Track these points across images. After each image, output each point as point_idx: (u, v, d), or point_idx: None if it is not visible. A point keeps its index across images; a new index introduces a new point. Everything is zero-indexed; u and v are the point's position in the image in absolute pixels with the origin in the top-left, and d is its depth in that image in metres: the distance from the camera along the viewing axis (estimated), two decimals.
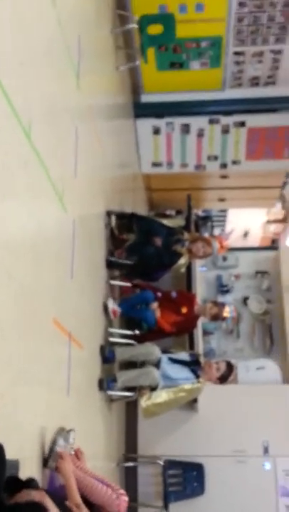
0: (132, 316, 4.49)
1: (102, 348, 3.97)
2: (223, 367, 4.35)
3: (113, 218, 4.41)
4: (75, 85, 3.46)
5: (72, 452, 2.65)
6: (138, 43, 5.44)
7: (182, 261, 4.68)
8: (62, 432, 2.46)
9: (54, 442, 2.40)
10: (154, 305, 4.44)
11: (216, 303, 4.93)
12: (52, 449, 2.40)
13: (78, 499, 2.16)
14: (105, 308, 4.10)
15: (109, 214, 4.43)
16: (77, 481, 2.36)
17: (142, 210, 7.47)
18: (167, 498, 4.99)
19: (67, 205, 3.05)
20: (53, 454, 2.39)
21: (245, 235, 10.99)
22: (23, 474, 2.10)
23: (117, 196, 5.05)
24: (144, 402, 4.13)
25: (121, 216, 4.58)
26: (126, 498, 2.44)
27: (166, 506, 4.96)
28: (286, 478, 5.35)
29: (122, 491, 2.45)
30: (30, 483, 1.93)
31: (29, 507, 1.66)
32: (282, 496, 5.30)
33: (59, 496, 2.02)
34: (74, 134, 3.36)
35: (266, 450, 5.40)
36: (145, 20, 5.24)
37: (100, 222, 4.24)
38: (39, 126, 2.53)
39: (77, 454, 2.66)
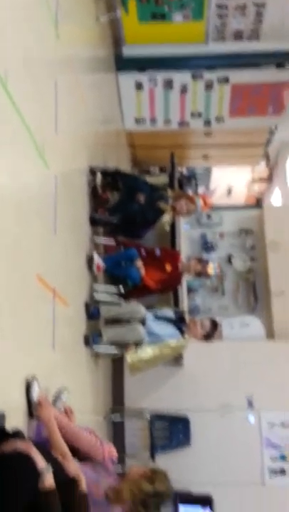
0: (117, 274, 4.47)
1: (87, 305, 3.96)
2: (207, 324, 4.37)
3: (98, 175, 4.33)
4: (54, 35, 3.34)
5: (62, 409, 2.67)
6: None
7: (166, 218, 4.65)
8: (35, 380, 2.44)
9: (29, 391, 2.39)
10: (139, 262, 4.42)
11: (200, 260, 4.93)
12: (29, 399, 2.40)
13: (63, 447, 2.17)
14: (90, 261, 4.07)
15: (93, 171, 4.35)
16: (62, 428, 2.38)
17: (126, 167, 7.37)
18: (154, 450, 5.10)
19: (48, 161, 2.98)
20: (33, 403, 2.39)
21: (229, 192, 10.95)
22: (11, 426, 2.10)
23: (99, 153, 4.96)
24: (129, 357, 4.16)
25: (105, 173, 4.50)
26: (113, 448, 2.47)
27: (152, 457, 5.07)
28: (270, 430, 5.49)
29: (109, 444, 2.48)
30: (17, 435, 1.93)
31: (14, 456, 1.66)
32: (266, 447, 5.44)
33: (45, 446, 2.03)
34: (54, 85, 3.27)
35: (250, 404, 5.51)
36: None
37: (83, 178, 4.17)
38: (17, 75, 2.44)
39: (67, 412, 2.68)
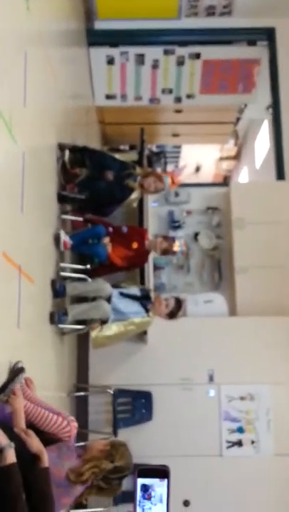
0: (84, 251, 4.49)
1: (53, 282, 3.98)
2: (172, 303, 4.45)
3: (66, 152, 4.30)
4: (25, 7, 3.27)
5: (23, 381, 2.71)
6: None
7: (134, 196, 4.66)
8: (21, 374, 2.48)
9: (13, 381, 2.42)
10: (106, 240, 4.44)
11: (166, 237, 4.98)
12: (7, 386, 2.43)
13: (23, 425, 2.22)
14: (57, 239, 4.07)
15: (61, 147, 4.31)
16: (28, 412, 2.42)
17: (95, 144, 7.31)
18: (116, 425, 5.21)
19: (16, 136, 2.95)
20: (8, 390, 2.42)
21: (197, 170, 10.99)
22: None
23: (69, 129, 4.91)
24: (94, 334, 4.22)
25: (73, 150, 4.47)
26: (75, 424, 2.53)
27: (115, 432, 5.18)
28: (228, 404, 5.66)
29: (72, 418, 2.53)
30: None
31: None
32: (224, 420, 5.62)
33: (8, 423, 2.08)
34: (23, 59, 3.21)
35: (211, 378, 5.66)
36: None
37: (52, 155, 4.14)
38: None
39: (27, 383, 2.72)
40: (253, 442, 5.56)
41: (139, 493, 1.09)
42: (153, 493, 1.12)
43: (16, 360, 2.62)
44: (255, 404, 5.66)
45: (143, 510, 1.09)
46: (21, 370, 2.54)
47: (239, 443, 5.58)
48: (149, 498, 1.11)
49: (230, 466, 5.42)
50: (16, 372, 2.51)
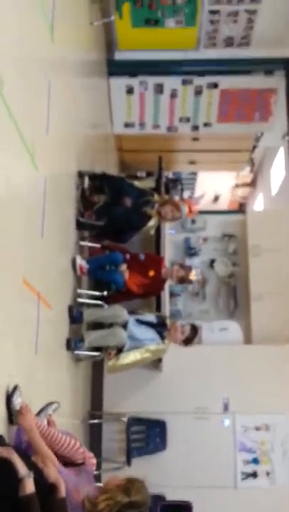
0: (101, 277, 4.50)
1: (71, 309, 3.99)
2: (187, 330, 4.43)
3: (86, 179, 4.36)
4: (50, 38, 3.36)
5: (45, 422, 2.70)
6: None
7: (151, 223, 4.69)
8: (17, 390, 2.48)
9: (10, 401, 2.42)
10: (123, 266, 4.46)
11: (182, 266, 4.98)
12: (10, 407, 2.43)
13: (45, 451, 2.21)
14: (73, 263, 4.10)
15: (81, 174, 4.37)
16: (41, 433, 2.41)
17: (113, 171, 7.39)
18: (130, 454, 5.15)
19: (38, 164, 3.00)
20: (14, 412, 2.42)
21: (216, 199, 11.05)
22: None
23: (88, 156, 4.98)
24: (110, 362, 4.21)
25: (92, 177, 4.53)
26: (94, 461, 2.52)
27: (128, 461, 5.12)
28: (244, 434, 5.58)
29: (91, 454, 2.53)
30: None
31: None
32: (240, 451, 5.53)
33: (26, 452, 2.07)
34: (47, 88, 3.29)
35: (226, 407, 5.59)
36: None
37: (71, 182, 4.19)
38: (11, 79, 2.46)
39: (49, 423, 2.71)
40: (268, 474, 5.47)
41: None
42: None
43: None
44: (271, 435, 5.57)
45: None
46: (16, 389, 2.50)
47: (254, 474, 5.48)
48: None
49: (245, 498, 5.31)
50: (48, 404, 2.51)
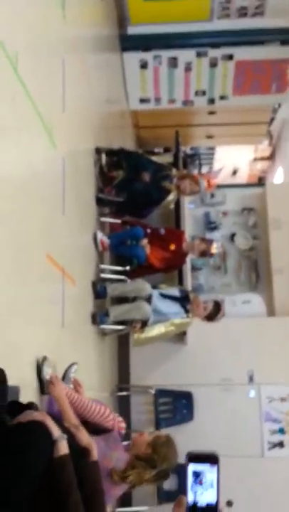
0: (123, 253, 4.55)
1: (94, 284, 4.05)
2: (210, 306, 4.46)
3: (103, 155, 4.38)
4: (61, 16, 3.36)
5: (71, 385, 2.78)
6: None
7: (171, 197, 4.70)
8: (46, 361, 2.55)
9: (40, 372, 2.50)
10: (144, 241, 4.49)
11: (203, 239, 5.00)
12: (41, 378, 2.50)
13: (74, 420, 2.28)
14: (95, 239, 4.15)
15: (98, 151, 4.39)
16: (73, 403, 2.49)
17: (130, 147, 7.38)
18: (158, 425, 5.25)
19: (56, 141, 3.03)
20: (45, 382, 2.50)
21: (234, 173, 10.97)
22: (23, 401, 2.21)
23: (105, 133, 5.00)
24: (136, 335, 4.27)
25: (110, 153, 4.55)
26: (124, 425, 2.59)
27: (153, 432, 5.22)
28: (269, 405, 5.63)
29: (120, 419, 2.60)
30: (31, 406, 2.03)
31: (31, 425, 1.76)
32: (266, 421, 5.59)
33: (58, 418, 2.14)
34: (61, 66, 3.30)
35: (251, 379, 5.64)
36: None
37: (89, 158, 4.22)
38: (26, 58, 2.48)
39: (76, 386, 2.79)
40: None
41: (190, 479, 1.12)
42: (204, 479, 1.15)
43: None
44: None
45: (195, 495, 1.12)
46: (44, 359, 2.58)
47: (281, 444, 5.54)
48: (200, 483, 1.15)
49: (272, 467, 5.39)
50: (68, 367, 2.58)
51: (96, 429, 2.48)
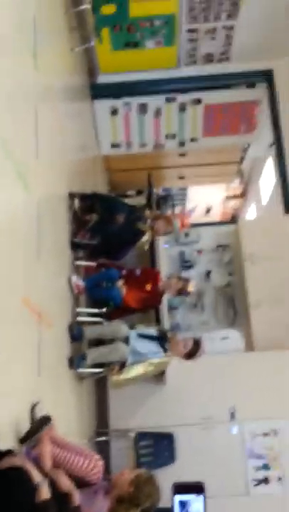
0: (98, 295, 4.57)
1: (71, 327, 4.05)
2: (190, 344, 4.47)
3: (76, 201, 4.45)
4: (33, 66, 3.48)
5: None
6: (92, 23, 5.43)
7: (145, 238, 4.78)
8: (49, 424, 2.54)
9: (41, 430, 2.47)
10: (120, 282, 4.53)
11: (180, 278, 5.04)
12: (34, 434, 2.47)
13: (51, 465, 2.25)
14: (69, 283, 4.17)
15: (72, 196, 4.47)
16: (56, 459, 2.45)
17: (103, 191, 7.50)
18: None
19: (30, 187, 3.10)
20: (35, 438, 2.46)
21: (208, 211, 11.17)
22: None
23: (78, 178, 5.09)
24: (114, 377, 4.25)
25: (83, 197, 4.63)
26: (101, 463, 2.56)
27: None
28: (252, 441, 5.59)
29: (97, 457, 2.57)
30: (9, 453, 2.02)
31: (12, 471, 1.75)
32: (249, 458, 5.54)
33: (38, 463, 2.12)
34: (34, 114, 3.39)
35: (233, 415, 5.61)
36: (98, 1, 5.23)
37: (63, 203, 4.29)
38: (0, 107, 2.56)
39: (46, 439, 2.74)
40: (280, 479, 5.47)
41: (177, 509, 1.14)
42: (190, 509, 1.17)
43: (35, 403, 2.66)
44: (279, 440, 5.58)
45: None
46: (48, 419, 2.57)
47: (266, 480, 5.48)
48: None
49: (258, 505, 5.31)
50: (43, 420, 2.56)
51: (79, 482, 2.44)
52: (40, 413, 2.64)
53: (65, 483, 2.08)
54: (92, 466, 2.54)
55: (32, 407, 2.53)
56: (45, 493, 1.78)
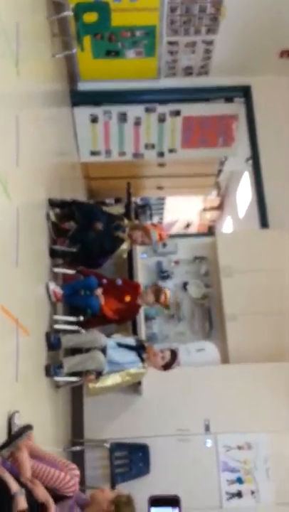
0: (76, 303, 4.53)
1: (48, 335, 4.00)
2: (168, 355, 4.47)
3: (51, 212, 4.41)
4: (15, 72, 3.45)
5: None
6: (74, 30, 5.44)
7: (124, 246, 4.76)
8: (29, 431, 2.49)
9: (21, 437, 2.42)
10: (99, 291, 4.50)
11: (156, 285, 5.03)
12: (12, 441, 2.42)
13: (29, 475, 2.21)
14: (47, 290, 4.13)
15: (51, 202, 4.43)
16: (33, 469, 2.41)
17: (82, 198, 7.48)
18: (114, 480, 5.10)
19: (11, 193, 3.06)
20: (13, 445, 2.41)
21: (188, 226, 11.24)
22: None
23: (57, 184, 5.06)
24: (90, 385, 4.21)
25: (62, 205, 4.60)
26: (77, 472, 2.52)
27: (113, 487, 5.06)
28: (226, 454, 5.58)
29: (73, 466, 2.52)
30: None
31: None
32: (223, 471, 5.52)
33: (14, 473, 2.07)
34: (15, 121, 3.36)
35: (207, 428, 5.60)
36: (80, 8, 5.25)
37: (43, 210, 4.25)
38: None
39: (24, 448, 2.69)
40: (252, 492, 5.46)
41: None
42: None
43: (13, 412, 2.61)
44: (253, 453, 5.58)
45: None
46: (29, 427, 2.53)
47: (239, 494, 5.47)
48: None
49: None
50: (24, 428, 2.51)
51: (55, 494, 2.40)
52: (18, 422, 2.58)
53: (43, 493, 2.04)
54: (68, 478, 2.50)
55: (10, 417, 2.47)
56: (21, 503, 1.74)
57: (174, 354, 4.50)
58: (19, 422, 2.84)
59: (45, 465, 2.49)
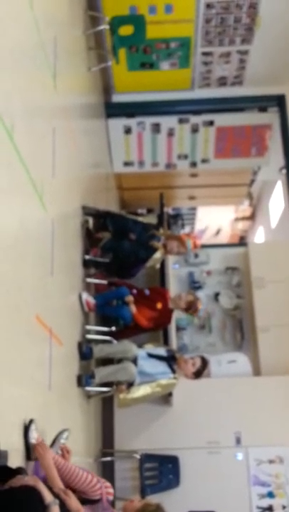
0: (109, 313, 4.56)
1: (80, 345, 4.03)
2: (198, 362, 4.45)
3: (90, 219, 4.47)
4: (53, 86, 3.52)
5: (60, 451, 2.72)
6: (109, 43, 5.51)
7: (158, 255, 4.77)
8: (33, 424, 2.50)
9: (27, 434, 2.45)
10: (130, 297, 4.52)
11: (190, 291, 5.02)
12: (27, 442, 2.45)
13: (61, 485, 2.23)
14: (80, 299, 4.17)
15: (85, 213, 4.49)
16: (59, 469, 2.43)
17: (114, 209, 7.54)
18: (144, 491, 5.08)
19: (46, 205, 3.11)
20: (31, 446, 2.44)
21: (218, 232, 11.20)
22: (12, 465, 2.16)
23: (91, 196, 5.12)
24: (121, 396, 4.22)
25: (96, 215, 4.65)
26: (111, 490, 2.53)
27: (142, 499, 5.05)
28: (257, 467, 5.51)
29: (108, 484, 2.54)
30: (20, 471, 2.00)
31: (24, 490, 1.73)
32: (254, 485, 5.45)
33: (47, 483, 2.09)
34: (52, 134, 3.42)
35: (238, 441, 5.54)
36: (116, 22, 5.31)
37: (77, 221, 4.30)
38: (21, 127, 2.59)
39: (64, 453, 2.73)
40: (284, 507, 5.37)
41: None
42: None
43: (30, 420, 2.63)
44: (285, 467, 5.50)
45: None
46: (31, 423, 2.53)
47: (270, 508, 5.39)
48: None
49: None
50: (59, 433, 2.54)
51: (83, 498, 2.42)
52: (35, 430, 2.60)
53: (76, 504, 2.06)
54: (95, 481, 2.51)
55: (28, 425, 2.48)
56: None
57: (204, 361, 4.48)
58: (64, 438, 2.89)
59: (73, 465, 2.51)
